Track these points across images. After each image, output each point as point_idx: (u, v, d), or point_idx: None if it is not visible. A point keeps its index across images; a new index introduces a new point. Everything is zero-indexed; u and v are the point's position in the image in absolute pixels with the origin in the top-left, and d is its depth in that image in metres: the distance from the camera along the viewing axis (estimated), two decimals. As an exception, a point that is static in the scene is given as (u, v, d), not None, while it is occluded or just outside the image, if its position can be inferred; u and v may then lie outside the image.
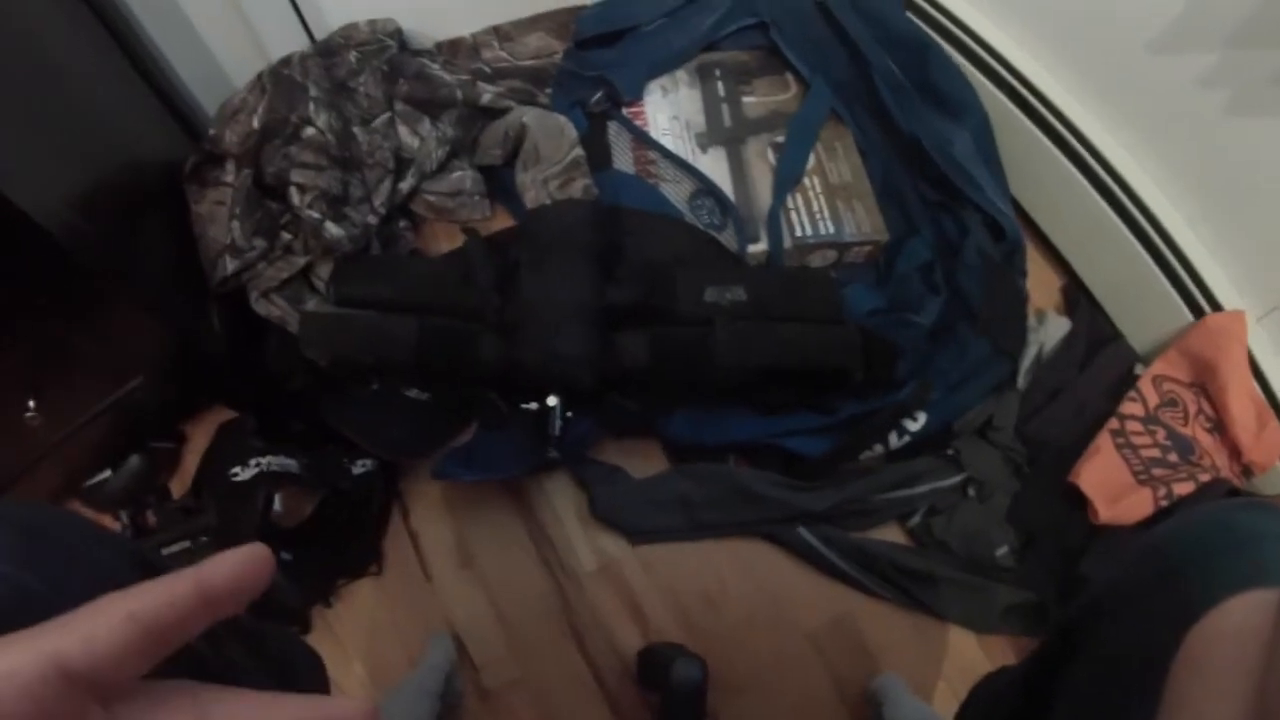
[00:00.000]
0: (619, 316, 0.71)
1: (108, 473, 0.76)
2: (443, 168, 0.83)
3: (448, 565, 0.75)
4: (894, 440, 0.73)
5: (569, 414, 0.69)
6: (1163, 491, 0.74)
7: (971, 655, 0.75)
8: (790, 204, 0.79)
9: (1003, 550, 0.74)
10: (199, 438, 0.82)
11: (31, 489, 0.74)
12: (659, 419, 0.72)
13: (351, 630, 0.74)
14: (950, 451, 0.75)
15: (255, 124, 0.80)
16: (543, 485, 0.75)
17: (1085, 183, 0.82)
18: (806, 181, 0.81)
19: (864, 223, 0.78)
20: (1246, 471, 0.79)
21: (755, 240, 0.77)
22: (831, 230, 0.77)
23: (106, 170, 0.69)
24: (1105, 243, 0.82)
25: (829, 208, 0.79)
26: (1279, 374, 0.77)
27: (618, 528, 0.73)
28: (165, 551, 0.72)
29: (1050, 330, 0.82)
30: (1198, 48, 0.71)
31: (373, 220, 0.80)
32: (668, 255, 0.73)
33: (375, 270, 0.78)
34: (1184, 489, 0.74)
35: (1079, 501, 0.74)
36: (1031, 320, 0.82)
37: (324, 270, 0.79)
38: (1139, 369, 0.82)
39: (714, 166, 0.80)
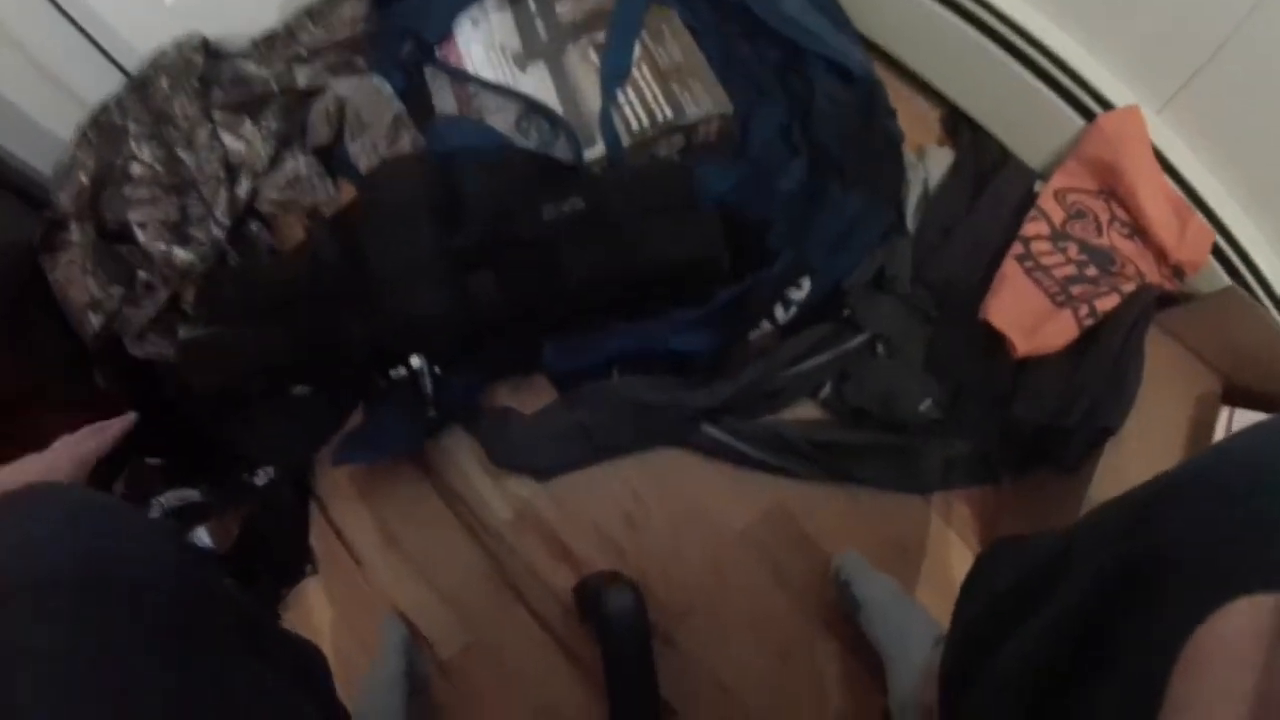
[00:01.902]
0: (469, 261, 0.67)
1: None
2: (275, 162, 0.80)
3: (375, 549, 0.72)
4: (781, 314, 0.68)
5: (436, 370, 0.65)
6: (1084, 310, 0.68)
7: (922, 521, 0.71)
8: (623, 99, 0.74)
9: (926, 404, 0.68)
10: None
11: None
12: (533, 352, 0.68)
13: (305, 634, 0.73)
14: (847, 313, 0.70)
15: (84, 178, 0.80)
16: (442, 446, 0.72)
17: (936, 3, 0.75)
18: (636, 73, 0.75)
19: (703, 99, 0.72)
20: (1178, 273, 0.72)
21: (591, 145, 0.72)
22: (670, 115, 0.72)
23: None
24: (973, 63, 0.75)
25: (664, 93, 0.73)
26: (1190, 166, 0.71)
27: (521, 470, 0.69)
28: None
29: (933, 164, 0.75)
30: None
31: (219, 233, 0.77)
32: (504, 187, 0.68)
33: (231, 284, 0.75)
34: (1107, 303, 0.68)
35: (997, 338, 0.68)
36: (910, 157, 0.75)
37: (191, 296, 0.77)
38: (1038, 187, 0.75)
39: (537, 84, 0.75)
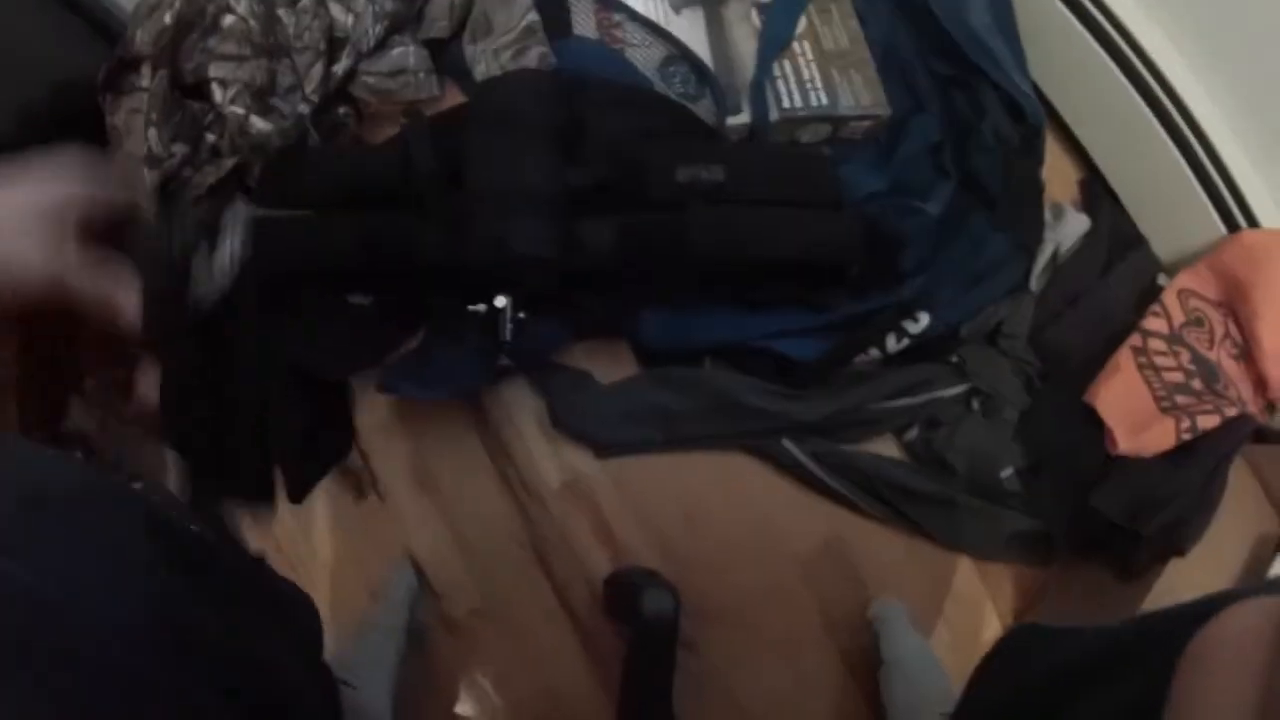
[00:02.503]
0: (581, 202, 0.60)
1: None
2: (382, 45, 0.71)
3: (403, 487, 0.66)
4: (891, 343, 0.64)
5: (521, 315, 0.59)
6: (1186, 423, 0.65)
7: (970, 584, 0.68)
8: (778, 72, 0.67)
9: (1008, 472, 0.65)
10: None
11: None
12: (629, 319, 0.62)
13: (307, 559, 0.65)
14: (955, 359, 0.66)
15: (168, 19, 0.70)
16: (501, 396, 0.65)
17: (1115, 67, 0.70)
18: (796, 47, 0.69)
19: (862, 95, 0.67)
20: (1270, 407, 0.71)
21: (737, 112, 0.65)
22: (825, 102, 0.66)
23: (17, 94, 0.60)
24: (1134, 137, 0.71)
25: (822, 77, 0.67)
26: None
27: (584, 440, 0.63)
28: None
29: (1068, 228, 0.71)
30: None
31: (304, 110, 0.69)
32: (635, 131, 0.61)
33: (303, 166, 0.67)
34: (1209, 422, 0.65)
35: (1095, 423, 0.65)
36: (1048, 216, 0.71)
37: (258, 171, 0.69)
38: (1162, 280, 0.72)
39: (689, 29, 0.68)
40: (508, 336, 0.60)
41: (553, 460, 0.64)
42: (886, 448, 0.67)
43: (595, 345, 0.65)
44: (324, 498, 0.66)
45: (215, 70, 0.68)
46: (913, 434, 0.66)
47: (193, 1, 0.70)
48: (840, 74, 0.68)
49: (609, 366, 0.65)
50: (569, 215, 0.60)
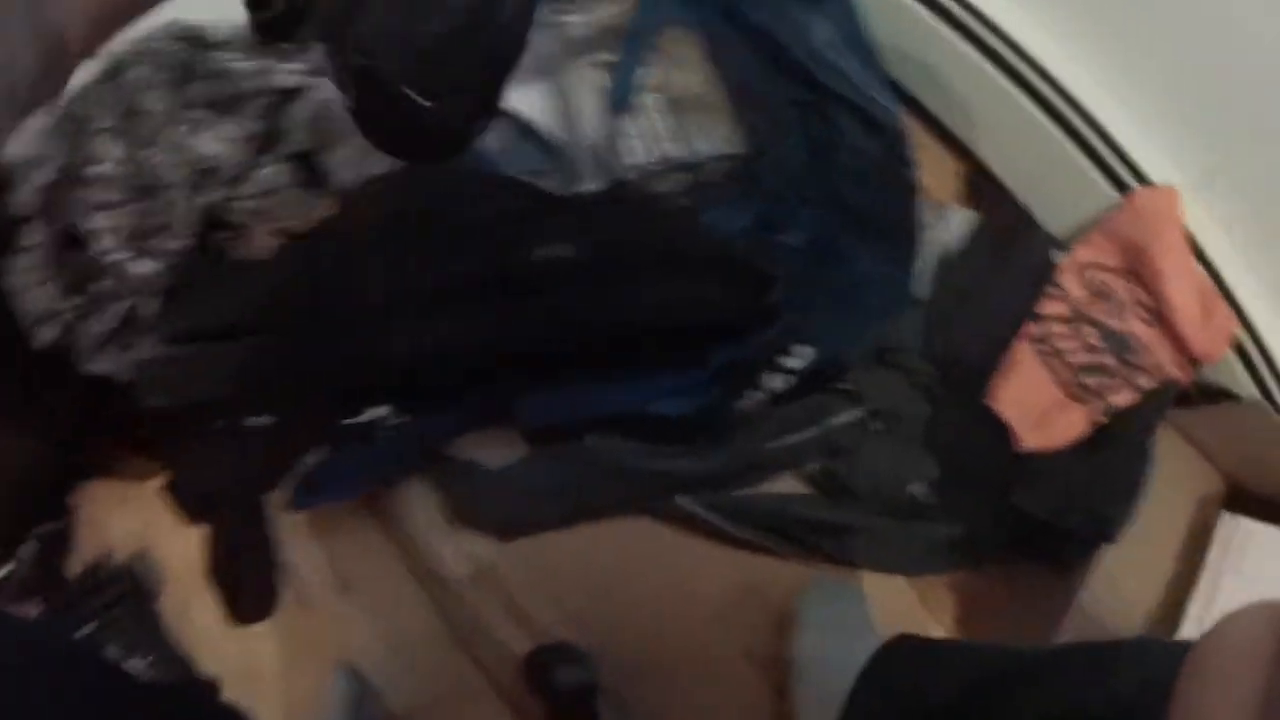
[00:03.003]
0: (445, 298, 0.61)
1: (10, 566, 0.72)
2: (250, 168, 0.74)
3: (328, 595, 0.68)
4: (777, 383, 0.63)
5: (401, 421, 0.60)
6: (1098, 404, 0.64)
7: (904, 601, 0.66)
8: (629, 129, 0.67)
9: (917, 486, 0.64)
10: (87, 507, 0.77)
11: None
12: (505, 404, 0.63)
13: (257, 675, 0.68)
14: (845, 383, 0.65)
15: (47, 176, 0.73)
16: (401, 494, 0.66)
17: (973, 50, 0.68)
18: (646, 100, 0.68)
19: (715, 137, 0.66)
20: (1194, 363, 0.68)
21: (590, 177, 0.66)
22: (678, 151, 0.65)
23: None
24: (1007, 119, 0.69)
25: (675, 126, 0.66)
26: (1222, 251, 0.66)
27: (482, 528, 0.64)
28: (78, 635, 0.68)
29: (952, 225, 0.70)
30: None
31: (180, 245, 0.72)
32: (488, 218, 0.62)
33: (194, 300, 0.70)
34: (1121, 399, 0.64)
35: (1003, 424, 0.63)
36: (928, 217, 0.69)
37: (152, 310, 0.72)
38: (1057, 257, 0.69)
39: (534, 101, 0.68)
40: (391, 441, 0.62)
41: (456, 550, 0.65)
42: (790, 486, 0.66)
43: (485, 433, 0.66)
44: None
45: (93, 221, 0.71)
46: (813, 466, 0.65)
47: (68, 154, 0.74)
48: (694, 119, 0.67)
49: (502, 452, 0.65)
50: (432, 312, 0.61)
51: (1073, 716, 0.33)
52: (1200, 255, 0.66)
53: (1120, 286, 0.69)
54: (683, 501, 0.62)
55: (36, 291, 0.69)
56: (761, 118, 0.69)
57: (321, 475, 0.65)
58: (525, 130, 0.67)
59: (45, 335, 0.68)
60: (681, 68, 0.71)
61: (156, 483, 0.76)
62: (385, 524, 0.68)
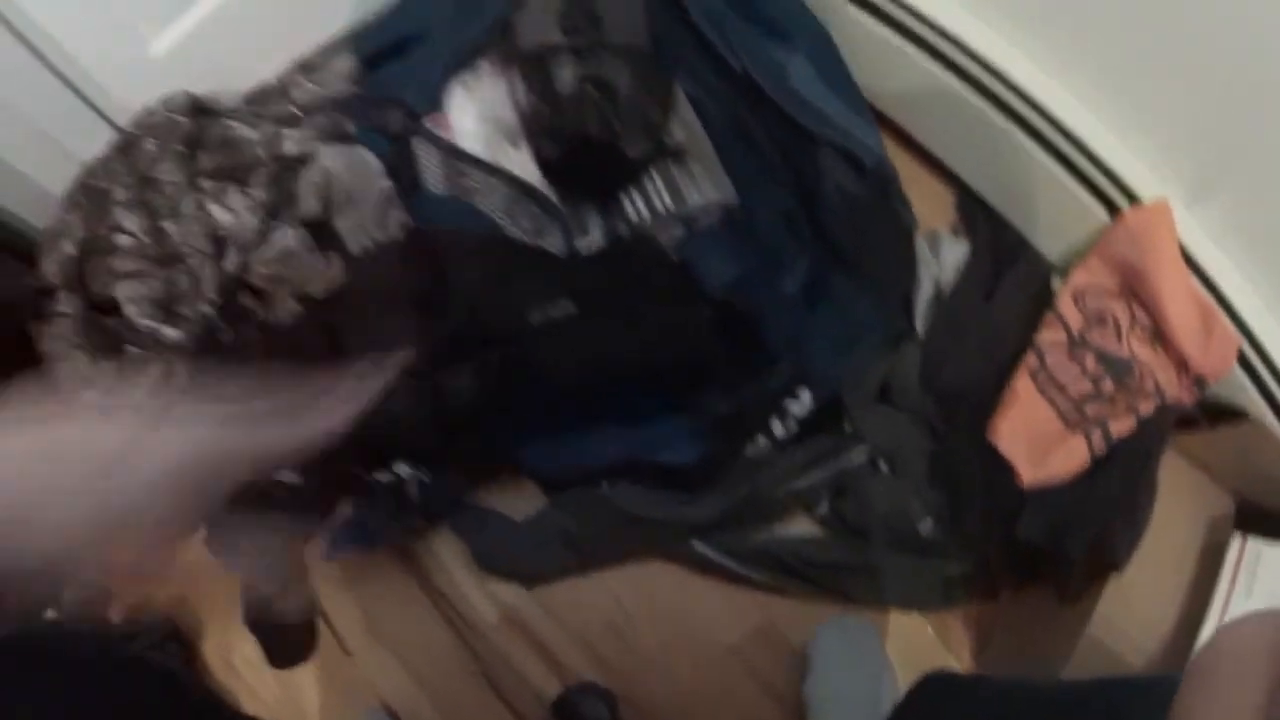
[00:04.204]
0: (446, 356, 0.63)
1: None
2: (264, 234, 0.76)
3: (362, 639, 0.71)
4: (779, 430, 0.64)
5: (423, 478, 0.63)
6: (1098, 434, 0.64)
7: (919, 635, 0.68)
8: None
9: (926, 523, 0.65)
10: None
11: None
12: (517, 454, 0.65)
13: (296, 714, 0.72)
14: (848, 425, 0.66)
15: (70, 248, 0.76)
16: (430, 544, 0.69)
17: (956, 80, 0.68)
18: (637, 153, 0.70)
19: (707, 187, 0.67)
20: (1199, 383, 0.67)
21: (586, 234, 0.67)
22: (670, 203, 0.67)
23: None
24: (994, 145, 0.69)
25: (665, 179, 0.68)
26: (1219, 266, 0.65)
27: (507, 575, 0.67)
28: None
29: (947, 257, 0.70)
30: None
31: (207, 310, 0.74)
32: (488, 279, 0.64)
33: (222, 362, 0.72)
34: (1122, 426, 0.63)
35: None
36: (923, 250, 0.70)
37: (184, 372, 0.74)
38: (1055, 283, 0.70)
39: (530, 163, 0.70)
40: (415, 496, 0.64)
41: (485, 596, 0.68)
42: (802, 527, 0.67)
43: (505, 484, 0.68)
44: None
45: (120, 289, 0.74)
46: (823, 507, 0.66)
47: (88, 226, 0.76)
48: (682, 170, 0.69)
49: (516, 498, 0.68)
50: (433, 369, 0.63)
51: None
52: (1197, 271, 0.65)
53: (1119, 309, 0.68)
54: (697, 545, 0.63)
55: (72, 356, 0.72)
56: (747, 164, 0.70)
57: (352, 527, 0.68)
58: (525, 190, 0.69)
59: (88, 398, 0.71)
60: (671, 118, 0.72)
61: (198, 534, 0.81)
62: (414, 571, 0.70)
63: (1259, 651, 0.24)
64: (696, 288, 0.63)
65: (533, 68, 0.62)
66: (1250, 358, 0.67)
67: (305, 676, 0.72)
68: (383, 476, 0.65)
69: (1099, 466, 0.63)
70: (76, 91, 0.76)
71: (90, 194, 0.78)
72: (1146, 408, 0.64)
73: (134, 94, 0.81)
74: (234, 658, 0.74)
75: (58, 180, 0.83)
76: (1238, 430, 0.65)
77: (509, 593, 0.68)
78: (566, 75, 0.61)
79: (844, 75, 0.69)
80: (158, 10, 0.77)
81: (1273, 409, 0.67)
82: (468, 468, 0.66)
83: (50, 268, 0.76)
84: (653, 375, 0.61)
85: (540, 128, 0.65)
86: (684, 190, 0.68)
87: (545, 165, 0.66)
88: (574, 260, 0.65)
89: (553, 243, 0.67)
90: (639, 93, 0.62)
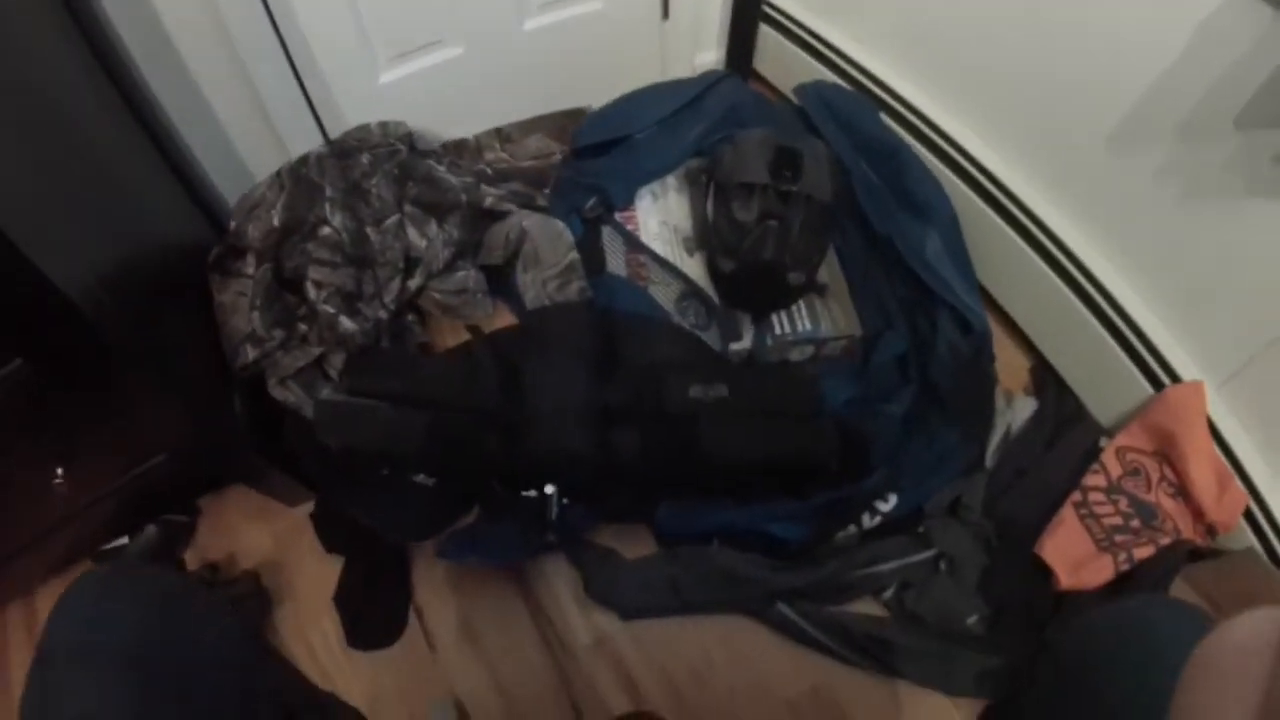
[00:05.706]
0: (613, 414, 0.74)
1: (124, 539, 0.80)
2: (448, 267, 0.87)
3: (451, 638, 0.78)
4: (867, 521, 0.76)
5: (565, 501, 0.72)
6: (1123, 556, 0.75)
7: (944, 716, 0.77)
8: (773, 306, 0.83)
9: (973, 619, 0.76)
10: (212, 512, 0.86)
11: (49, 548, 0.75)
12: (648, 508, 0.75)
13: (359, 695, 0.76)
14: (921, 529, 0.78)
15: (275, 221, 0.84)
16: (542, 567, 0.78)
17: (1049, 270, 0.84)
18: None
19: (839, 320, 0.81)
20: (1211, 531, 0.80)
21: (739, 339, 0.80)
22: (809, 328, 0.81)
23: (133, 249, 0.68)
24: (1069, 326, 0.84)
25: (807, 307, 0.82)
26: (1237, 436, 0.79)
27: (611, 606, 0.76)
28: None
29: (1018, 411, 0.84)
30: (1148, 141, 0.73)
31: (384, 315, 0.84)
32: (656, 357, 0.76)
33: (386, 365, 0.82)
34: (1143, 552, 0.76)
35: (1045, 573, 0.76)
36: (1000, 403, 0.84)
37: (336, 360, 0.83)
38: (1104, 443, 0.84)
39: (700, 269, 0.83)
40: (554, 517, 0.73)
41: (584, 622, 0.76)
42: (869, 607, 0.78)
43: (622, 528, 0.78)
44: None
45: (313, 272, 0.82)
46: (889, 594, 0.77)
47: (294, 209, 0.85)
48: (822, 304, 0.83)
49: (632, 544, 0.78)
50: (605, 425, 0.73)
51: None
52: (1219, 439, 0.79)
53: (1151, 465, 0.82)
54: (782, 609, 0.73)
55: (247, 315, 0.80)
56: (876, 309, 0.84)
57: (478, 536, 0.76)
58: (695, 291, 0.81)
59: (247, 354, 0.79)
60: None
61: (301, 508, 0.85)
62: (520, 587, 0.78)
63: (1258, 650, 0.23)
64: (820, 399, 0.76)
65: (732, 195, 0.76)
66: (1256, 516, 0.78)
67: (379, 662, 0.77)
68: (528, 492, 0.74)
69: (1122, 583, 0.74)
70: (304, 90, 0.85)
71: (301, 182, 0.87)
72: (1165, 541, 0.77)
73: (350, 109, 0.92)
74: (307, 632, 0.79)
75: (258, 162, 0.92)
76: (1230, 559, 0.76)
77: (607, 621, 0.76)
78: (755, 208, 0.75)
79: (964, 252, 0.85)
80: (398, 46, 0.88)
81: (1268, 554, 0.77)
82: (603, 507, 0.75)
83: (252, 232, 0.83)
84: (781, 464, 0.72)
85: (721, 243, 0.78)
86: (821, 320, 0.81)
87: (716, 275, 0.79)
88: (724, 357, 0.78)
89: (711, 340, 0.79)
90: (808, 234, 0.76)
